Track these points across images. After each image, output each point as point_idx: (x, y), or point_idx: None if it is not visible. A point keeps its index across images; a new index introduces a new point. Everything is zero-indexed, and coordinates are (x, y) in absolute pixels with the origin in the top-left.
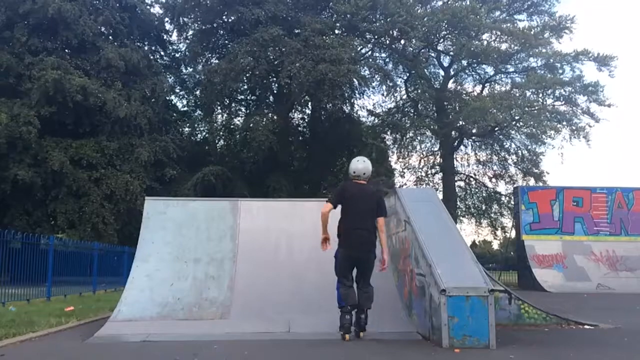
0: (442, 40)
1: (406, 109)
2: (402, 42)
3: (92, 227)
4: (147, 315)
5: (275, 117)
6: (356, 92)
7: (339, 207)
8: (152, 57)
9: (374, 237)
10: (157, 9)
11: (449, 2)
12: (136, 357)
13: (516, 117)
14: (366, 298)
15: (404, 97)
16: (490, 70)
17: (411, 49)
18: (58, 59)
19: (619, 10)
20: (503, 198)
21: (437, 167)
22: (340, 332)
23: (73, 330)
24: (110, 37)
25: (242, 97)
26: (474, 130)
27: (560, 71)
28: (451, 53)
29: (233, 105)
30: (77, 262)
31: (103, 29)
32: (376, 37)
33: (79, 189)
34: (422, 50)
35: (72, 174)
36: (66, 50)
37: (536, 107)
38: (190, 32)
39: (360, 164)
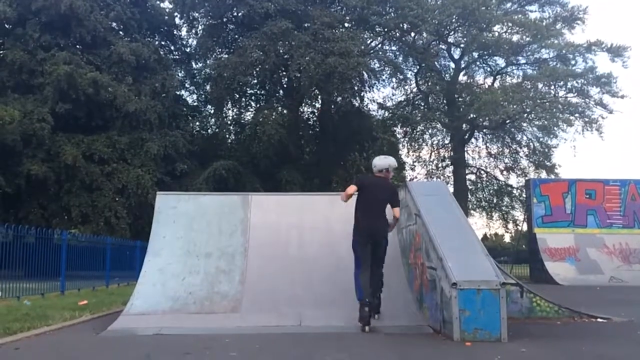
0: (452, 32)
1: (417, 102)
2: (413, 35)
3: (105, 221)
4: (160, 309)
5: (285, 112)
6: (366, 85)
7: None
8: (162, 52)
9: (385, 225)
10: (167, 4)
11: None
12: (149, 350)
13: (528, 110)
14: (377, 282)
15: (414, 90)
16: (501, 62)
17: (421, 42)
18: (70, 54)
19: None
20: (514, 191)
21: (448, 160)
22: (360, 324)
23: (87, 324)
24: (121, 33)
25: (252, 91)
26: (485, 123)
27: (573, 62)
28: (462, 45)
29: (243, 99)
30: (90, 256)
31: (114, 24)
32: (386, 30)
33: (92, 183)
34: (433, 43)
35: (84, 168)
36: (77, 46)
37: (548, 99)
38: (200, 27)
39: (379, 160)
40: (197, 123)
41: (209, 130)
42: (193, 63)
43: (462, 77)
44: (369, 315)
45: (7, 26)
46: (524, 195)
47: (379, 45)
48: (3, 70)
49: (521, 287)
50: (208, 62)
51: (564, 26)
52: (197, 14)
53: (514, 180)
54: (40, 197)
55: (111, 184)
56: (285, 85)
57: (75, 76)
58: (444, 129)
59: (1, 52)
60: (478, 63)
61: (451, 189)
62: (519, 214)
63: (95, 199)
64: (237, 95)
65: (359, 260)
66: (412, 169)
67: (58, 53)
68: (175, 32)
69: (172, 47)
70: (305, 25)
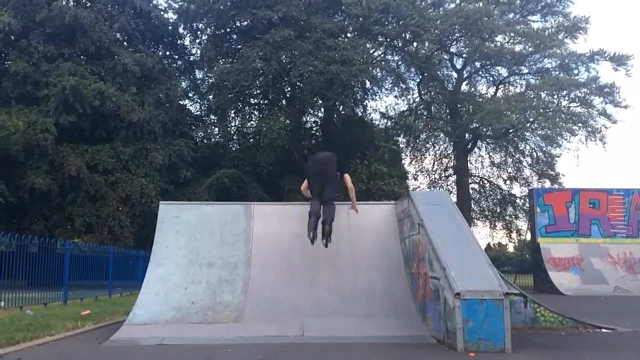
0: (455, 42)
1: (419, 112)
2: (415, 44)
3: (109, 231)
4: (162, 319)
5: (288, 121)
6: (368, 93)
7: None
8: (166, 62)
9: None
10: (170, 15)
11: (462, 5)
12: None
13: (531, 119)
14: (329, 211)
15: (417, 99)
16: (504, 71)
17: (424, 52)
18: (74, 65)
19: (635, 8)
20: (518, 200)
21: (451, 169)
22: (309, 235)
23: (89, 334)
24: (125, 43)
25: (255, 101)
26: (488, 133)
27: (576, 72)
28: (464, 55)
29: (246, 108)
30: (93, 266)
31: (118, 35)
32: (388, 40)
33: (96, 193)
34: (435, 53)
35: (88, 179)
36: (82, 57)
37: (551, 109)
38: (204, 37)
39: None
40: (201, 132)
41: (213, 140)
42: (197, 72)
43: (464, 87)
44: (316, 225)
45: (11, 37)
46: (528, 205)
47: (382, 55)
48: (7, 81)
49: (525, 297)
50: (212, 71)
51: (567, 36)
52: (200, 24)
53: (517, 189)
54: (44, 207)
55: (115, 193)
56: (288, 95)
57: (81, 88)
58: (447, 138)
59: (6, 63)
60: (480, 73)
61: (454, 199)
62: (522, 224)
63: (99, 208)
64: (241, 105)
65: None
66: (415, 179)
67: (62, 64)
68: (179, 42)
69: (176, 57)
70: (307, 34)
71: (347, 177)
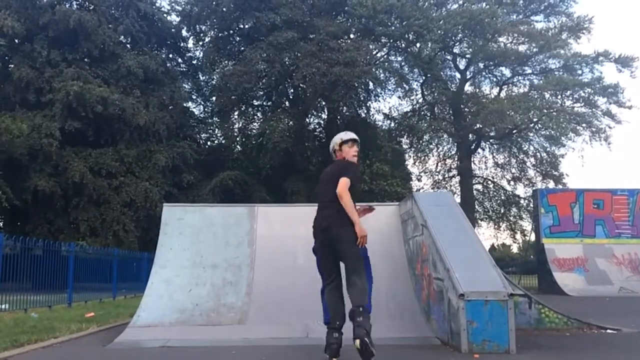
0: (458, 43)
1: (422, 112)
2: (418, 45)
3: (113, 235)
4: (166, 321)
5: (291, 123)
6: (372, 94)
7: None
8: (169, 65)
9: (341, 213)
10: (174, 17)
11: (465, 5)
12: None
13: (534, 119)
14: (356, 293)
15: (420, 100)
16: (507, 72)
17: (427, 52)
18: (78, 69)
19: (638, 8)
20: (522, 201)
21: (455, 170)
22: (326, 354)
23: (93, 336)
24: (129, 46)
25: (258, 102)
26: (491, 133)
27: (579, 72)
28: (467, 56)
29: (250, 110)
30: (97, 268)
31: (122, 37)
32: (392, 40)
33: (100, 197)
34: (438, 53)
35: (92, 183)
36: (85, 60)
37: (555, 109)
38: (207, 39)
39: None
40: (204, 134)
41: (216, 142)
42: (200, 75)
43: (468, 88)
44: (338, 343)
45: (15, 41)
46: (532, 206)
47: (385, 56)
48: (10, 86)
49: (529, 298)
50: (214, 74)
51: (570, 36)
52: (203, 27)
53: (521, 190)
54: (48, 211)
55: (119, 197)
56: (291, 97)
57: (85, 93)
58: (450, 139)
59: (9, 66)
60: (484, 73)
61: (458, 200)
62: (526, 224)
63: (103, 212)
64: (244, 107)
65: (322, 275)
66: (419, 180)
67: (66, 69)
68: (182, 45)
69: (180, 60)
70: (311, 36)
71: (342, 180)
